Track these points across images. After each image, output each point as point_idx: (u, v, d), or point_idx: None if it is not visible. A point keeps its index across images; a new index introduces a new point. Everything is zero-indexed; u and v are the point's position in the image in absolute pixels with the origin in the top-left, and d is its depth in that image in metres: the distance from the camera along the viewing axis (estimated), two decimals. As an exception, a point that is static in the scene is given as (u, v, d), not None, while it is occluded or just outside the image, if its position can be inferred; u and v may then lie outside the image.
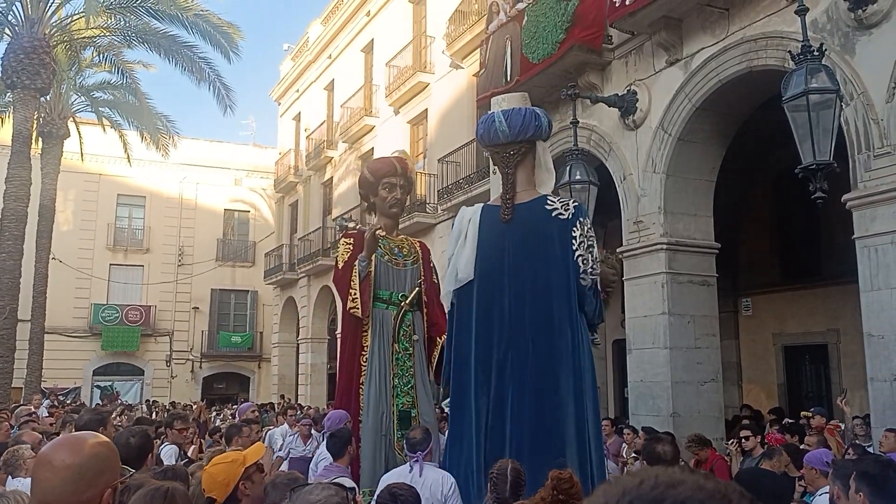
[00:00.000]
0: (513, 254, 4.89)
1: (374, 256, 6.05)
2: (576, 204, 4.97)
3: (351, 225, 6.46)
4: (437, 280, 6.55)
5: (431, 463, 4.73)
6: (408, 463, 4.78)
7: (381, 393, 5.89)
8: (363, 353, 6.00)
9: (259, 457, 3.44)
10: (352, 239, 6.18)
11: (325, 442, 5.94)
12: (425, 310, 6.30)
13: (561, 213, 4.85)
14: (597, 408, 4.84)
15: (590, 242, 4.79)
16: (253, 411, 9.55)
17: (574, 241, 4.76)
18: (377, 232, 5.90)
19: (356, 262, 5.94)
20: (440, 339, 6.15)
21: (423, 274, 6.36)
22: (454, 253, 5.06)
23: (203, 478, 3.28)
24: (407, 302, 6.12)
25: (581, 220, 4.82)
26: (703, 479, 0.82)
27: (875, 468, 3.72)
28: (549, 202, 4.91)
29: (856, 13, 7.23)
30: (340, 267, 6.11)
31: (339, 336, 6.96)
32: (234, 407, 20.02)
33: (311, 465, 6.30)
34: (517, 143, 5.00)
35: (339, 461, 5.15)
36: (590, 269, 4.72)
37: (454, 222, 5.18)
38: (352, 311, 5.93)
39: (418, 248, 6.52)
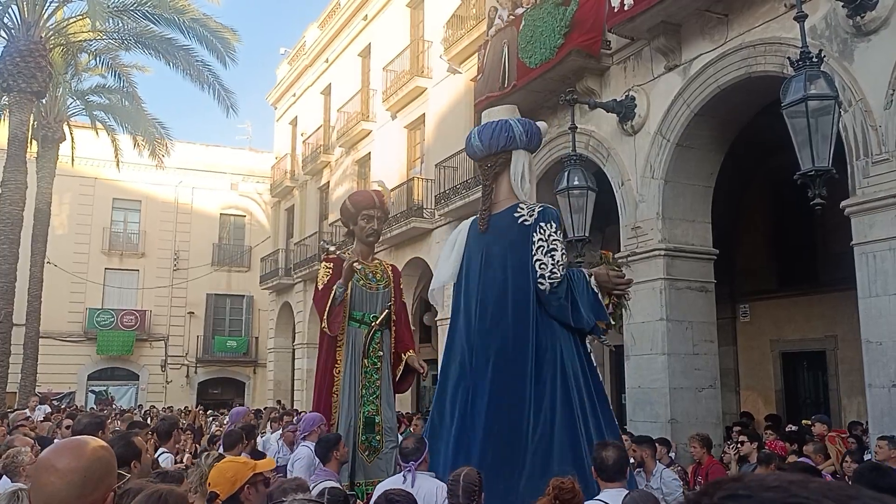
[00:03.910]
0: (485, 264, 5.05)
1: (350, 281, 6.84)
2: (541, 208, 5.00)
3: (332, 249, 7.10)
4: (405, 300, 7.42)
5: (427, 472, 4.69)
6: (401, 472, 4.75)
7: (351, 401, 6.59)
8: (336, 365, 6.69)
9: (268, 469, 3.45)
10: (332, 264, 6.86)
11: (298, 445, 6.50)
12: (393, 328, 7.00)
13: (525, 219, 4.93)
14: (599, 411, 4.81)
15: (551, 246, 4.80)
16: (250, 416, 9.39)
17: (533, 246, 4.82)
18: (354, 265, 6.65)
19: (334, 288, 6.61)
20: (405, 354, 6.98)
21: (393, 296, 7.04)
22: (443, 259, 5.39)
23: (211, 472, 3.28)
24: (377, 322, 6.80)
25: (543, 224, 4.86)
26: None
27: (871, 476, 3.75)
28: (518, 209, 5.02)
29: (854, 20, 7.25)
30: (320, 288, 6.78)
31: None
32: (225, 411, 19.88)
33: (287, 467, 6.45)
34: (493, 155, 5.20)
35: (327, 465, 5.20)
36: (548, 274, 4.75)
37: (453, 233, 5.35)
38: (325, 329, 6.68)
39: (390, 273, 7.18)
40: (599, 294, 4.80)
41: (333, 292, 6.56)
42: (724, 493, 0.78)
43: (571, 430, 4.64)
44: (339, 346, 6.71)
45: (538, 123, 5.32)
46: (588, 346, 4.96)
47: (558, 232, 4.88)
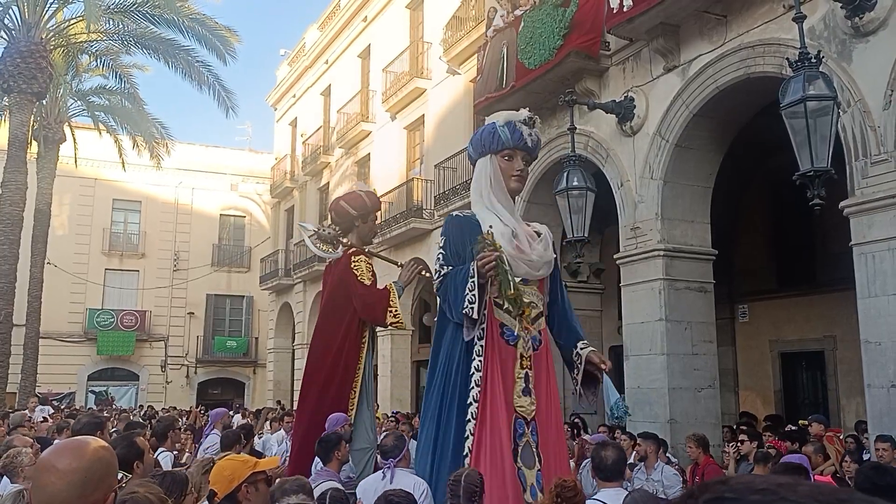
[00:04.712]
0: None
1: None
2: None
3: (345, 241, 6.66)
4: None
5: (407, 469, 4.72)
6: (381, 470, 4.77)
7: (370, 400, 6.54)
8: (358, 363, 6.45)
9: (270, 468, 3.42)
10: (367, 258, 6.63)
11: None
12: None
13: None
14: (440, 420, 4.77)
15: (436, 254, 5.00)
16: (229, 416, 9.18)
17: None
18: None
19: (395, 286, 6.41)
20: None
21: None
22: None
23: (213, 470, 3.28)
24: None
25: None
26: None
27: (870, 474, 3.77)
28: None
29: (853, 21, 7.26)
30: (367, 283, 6.46)
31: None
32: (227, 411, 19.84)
33: (312, 469, 6.38)
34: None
35: (328, 465, 5.18)
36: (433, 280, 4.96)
37: None
38: (396, 325, 6.51)
39: None
40: (470, 283, 4.62)
41: (394, 290, 6.39)
42: (710, 495, 0.75)
43: (426, 441, 4.81)
44: (363, 343, 6.54)
45: (506, 112, 5.26)
46: (475, 343, 4.77)
47: (443, 238, 4.99)
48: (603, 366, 4.92)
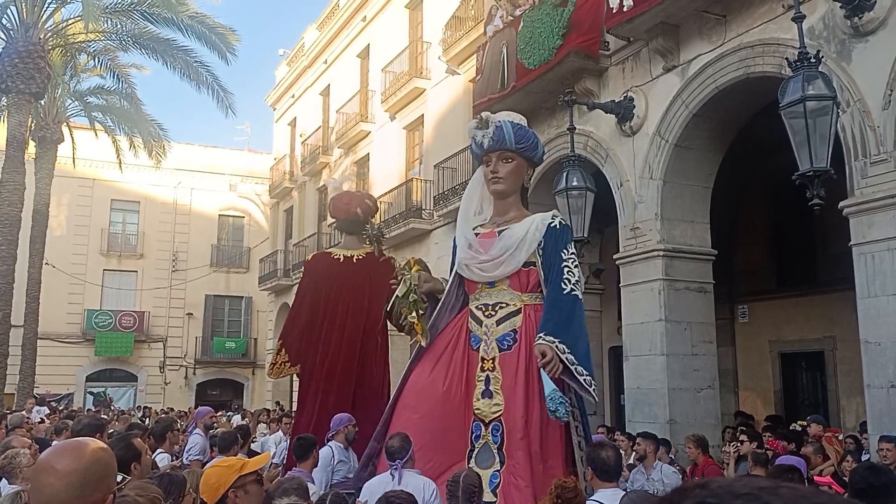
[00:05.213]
0: None
1: None
2: None
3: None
4: None
5: (413, 470, 4.72)
6: (388, 471, 4.76)
7: None
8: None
9: (260, 467, 3.36)
10: None
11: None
12: None
13: None
14: None
15: None
16: (212, 417, 8.90)
17: None
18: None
19: None
20: None
21: None
22: None
23: (200, 479, 3.24)
24: None
25: None
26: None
27: (866, 474, 3.79)
28: None
29: (852, 20, 7.26)
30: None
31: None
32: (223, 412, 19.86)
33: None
34: None
35: (302, 465, 5.19)
36: None
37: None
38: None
39: None
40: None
41: None
42: (691, 501, 0.74)
43: None
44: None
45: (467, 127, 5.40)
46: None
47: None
48: (540, 359, 4.50)
